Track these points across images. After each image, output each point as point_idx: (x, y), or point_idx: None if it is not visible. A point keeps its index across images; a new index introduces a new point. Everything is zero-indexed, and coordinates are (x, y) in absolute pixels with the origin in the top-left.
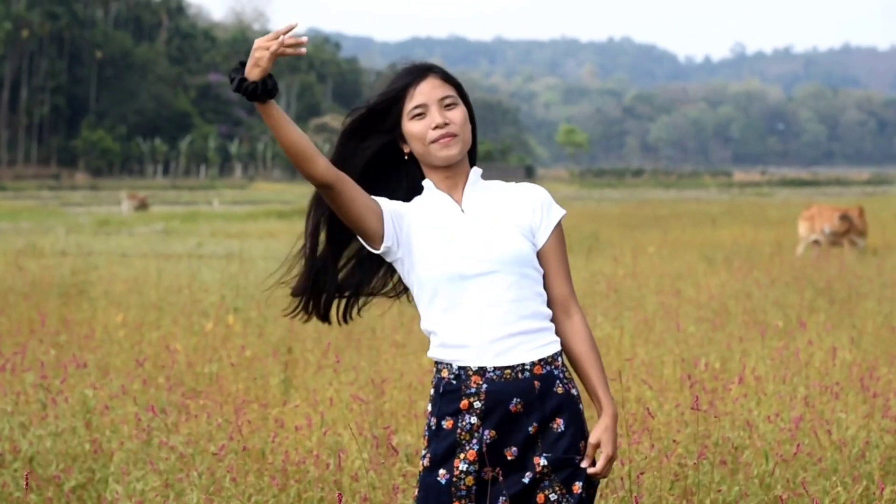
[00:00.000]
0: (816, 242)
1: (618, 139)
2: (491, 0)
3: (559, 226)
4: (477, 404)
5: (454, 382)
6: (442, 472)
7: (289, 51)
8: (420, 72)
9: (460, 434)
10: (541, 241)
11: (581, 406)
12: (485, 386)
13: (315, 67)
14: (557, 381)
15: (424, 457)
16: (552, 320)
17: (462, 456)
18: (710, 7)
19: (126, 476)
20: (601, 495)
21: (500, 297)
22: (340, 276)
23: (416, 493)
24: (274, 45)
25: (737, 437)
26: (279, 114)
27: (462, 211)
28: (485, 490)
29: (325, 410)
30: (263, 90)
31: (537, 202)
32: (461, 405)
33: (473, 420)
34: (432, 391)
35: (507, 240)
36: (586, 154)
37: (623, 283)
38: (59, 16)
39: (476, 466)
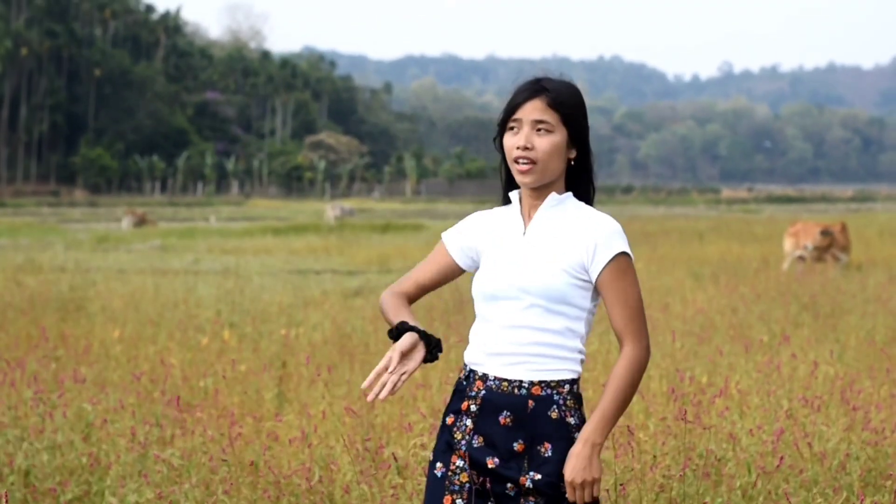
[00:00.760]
0: (801, 258)
1: (608, 156)
2: (483, 19)
3: (617, 260)
4: (473, 408)
5: (464, 383)
6: (439, 465)
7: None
8: (533, 91)
9: (456, 433)
10: (594, 275)
11: (576, 435)
12: (483, 392)
13: (310, 85)
14: (555, 406)
15: (433, 451)
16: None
17: (458, 453)
18: (699, 27)
19: (121, 489)
20: None
21: (520, 321)
22: None
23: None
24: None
25: (720, 449)
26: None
27: (524, 234)
28: (477, 488)
29: (318, 424)
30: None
31: (594, 239)
32: (462, 405)
33: (468, 423)
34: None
35: (540, 273)
36: None
37: None
38: (58, 34)
39: (464, 465)
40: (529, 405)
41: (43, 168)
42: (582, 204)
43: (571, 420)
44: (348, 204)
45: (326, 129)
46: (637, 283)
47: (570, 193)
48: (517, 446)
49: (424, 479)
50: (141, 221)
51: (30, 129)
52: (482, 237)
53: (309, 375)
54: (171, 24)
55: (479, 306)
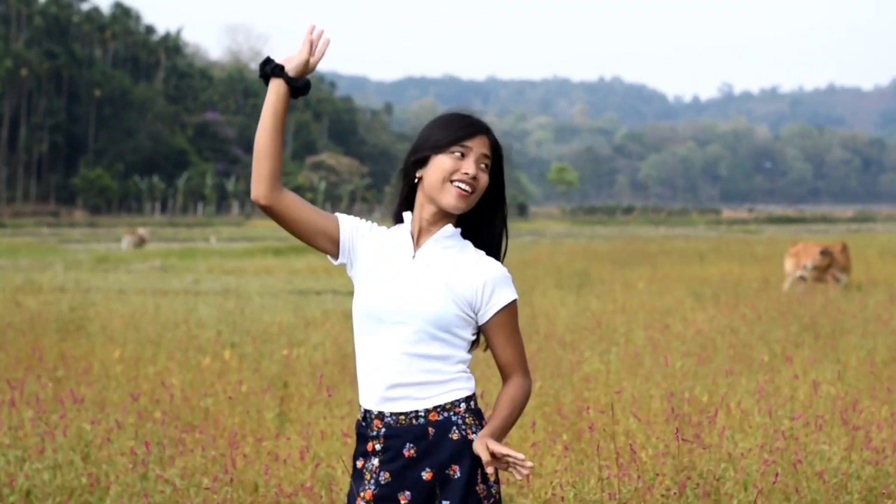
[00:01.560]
0: (802, 278)
1: (608, 177)
2: (484, 40)
3: (509, 307)
4: (378, 446)
5: (363, 424)
6: None
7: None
8: (484, 128)
9: (365, 474)
10: (483, 319)
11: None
12: (384, 430)
13: (311, 106)
14: (454, 428)
15: None
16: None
17: (362, 495)
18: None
19: None
20: None
21: (406, 348)
22: None
23: None
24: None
25: (720, 468)
26: (276, 100)
27: (413, 257)
28: None
29: (319, 444)
30: (278, 70)
31: (488, 283)
32: (367, 447)
33: (375, 461)
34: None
35: (431, 299)
36: (577, 192)
37: (612, 319)
38: (58, 55)
39: None
40: (430, 432)
41: (43, 188)
42: (470, 244)
43: (473, 437)
44: None
45: (327, 149)
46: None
47: (458, 230)
48: (426, 475)
49: None
50: (141, 242)
51: (30, 150)
52: (368, 247)
53: (310, 395)
54: (172, 45)
55: (363, 328)
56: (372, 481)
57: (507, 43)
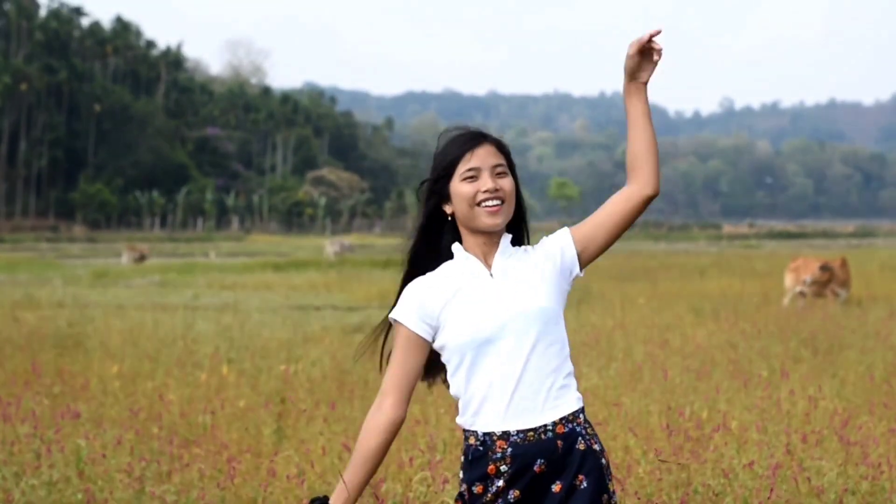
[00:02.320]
0: (802, 294)
1: (609, 192)
2: (485, 55)
3: (570, 230)
4: (503, 468)
5: (481, 449)
6: None
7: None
8: (477, 139)
9: (487, 496)
10: (576, 259)
11: (603, 461)
12: (510, 450)
13: (311, 121)
14: (580, 438)
15: None
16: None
17: None
18: (699, 63)
19: None
20: None
21: (524, 358)
22: None
23: None
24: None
25: (717, 483)
26: (357, 488)
27: (491, 276)
28: None
29: (316, 460)
30: None
31: (553, 246)
32: (489, 470)
33: (500, 483)
34: (462, 458)
35: (530, 298)
36: (578, 207)
37: (612, 334)
38: (58, 70)
39: None
40: (559, 445)
41: (42, 203)
42: (522, 246)
43: (596, 446)
44: (348, 240)
45: (327, 164)
46: None
47: (507, 234)
48: (555, 488)
49: None
50: (141, 258)
51: (29, 164)
52: (436, 296)
53: (308, 411)
54: (172, 60)
55: (470, 356)
56: (500, 501)
57: (508, 57)
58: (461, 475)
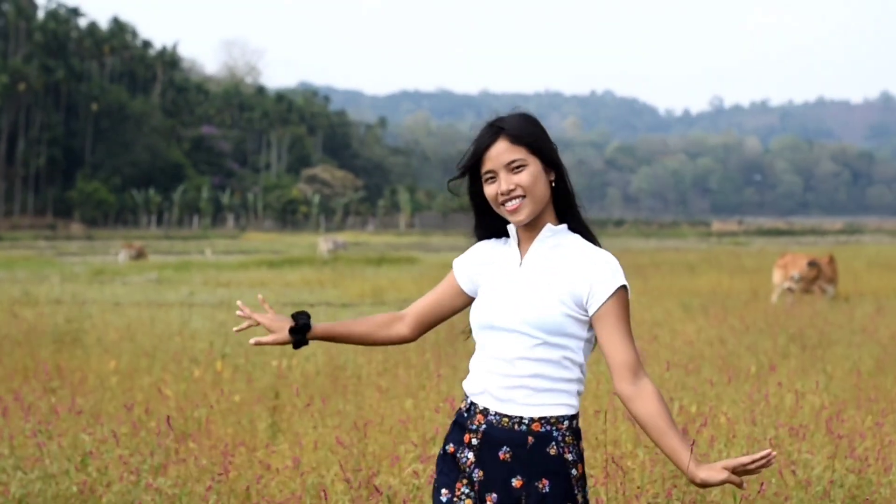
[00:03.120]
0: (790, 290)
1: (600, 190)
2: (477, 54)
3: (616, 296)
4: (474, 441)
5: (465, 415)
6: (444, 491)
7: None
8: (491, 135)
9: (460, 464)
10: (592, 310)
11: (575, 471)
12: (484, 426)
13: (305, 120)
14: (553, 443)
15: (435, 479)
16: (625, 388)
17: (465, 481)
18: (690, 62)
19: None
20: None
21: (518, 352)
22: None
23: None
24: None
25: None
26: (337, 335)
27: (520, 265)
28: None
29: (310, 453)
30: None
31: (595, 274)
32: (464, 438)
33: (470, 455)
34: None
35: (538, 305)
36: None
37: None
38: (56, 69)
39: (472, 494)
40: (529, 441)
41: (40, 201)
42: (578, 237)
43: (569, 456)
44: (341, 237)
45: (321, 163)
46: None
47: (564, 226)
48: (515, 482)
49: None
50: (139, 255)
51: (27, 163)
52: (483, 266)
53: (302, 406)
54: (168, 60)
55: (477, 335)
56: (465, 473)
57: (500, 57)
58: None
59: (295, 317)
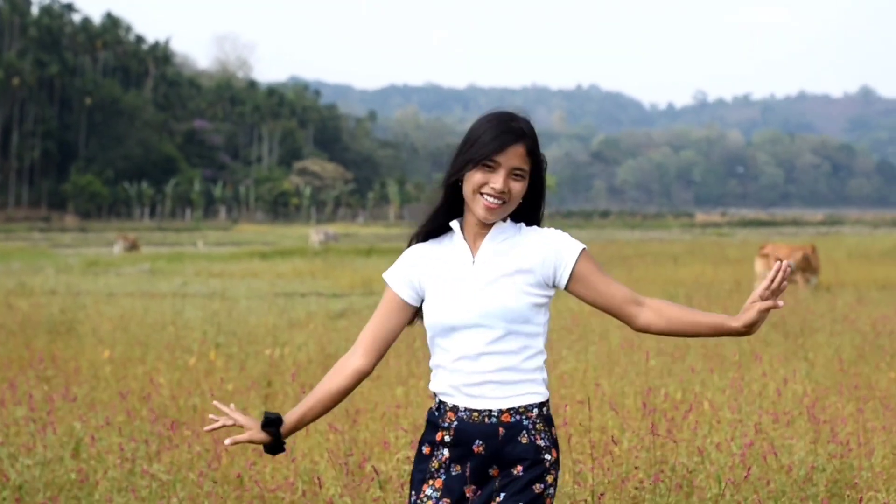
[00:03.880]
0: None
1: (585, 182)
2: (465, 49)
3: (583, 255)
4: (447, 438)
5: (436, 413)
6: (412, 493)
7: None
8: (516, 136)
9: (433, 463)
10: (563, 281)
11: (546, 457)
12: (455, 423)
13: (296, 114)
14: (524, 432)
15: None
16: (636, 315)
17: (431, 482)
18: (674, 56)
19: (110, 503)
20: None
21: (481, 348)
22: None
23: None
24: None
25: (691, 462)
26: (302, 422)
27: (473, 262)
28: None
29: (302, 440)
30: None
31: (554, 247)
32: (437, 436)
33: (445, 452)
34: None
35: (498, 296)
36: (555, 196)
37: (589, 320)
38: (50, 64)
39: (439, 493)
40: (500, 432)
41: (34, 194)
42: (522, 225)
43: (541, 442)
44: (332, 229)
45: (312, 156)
46: None
47: (522, 224)
48: (492, 472)
49: (406, 493)
50: (132, 247)
51: (21, 156)
52: (425, 268)
53: (294, 394)
54: (161, 55)
55: (437, 339)
56: (442, 471)
57: (488, 52)
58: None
59: (266, 414)
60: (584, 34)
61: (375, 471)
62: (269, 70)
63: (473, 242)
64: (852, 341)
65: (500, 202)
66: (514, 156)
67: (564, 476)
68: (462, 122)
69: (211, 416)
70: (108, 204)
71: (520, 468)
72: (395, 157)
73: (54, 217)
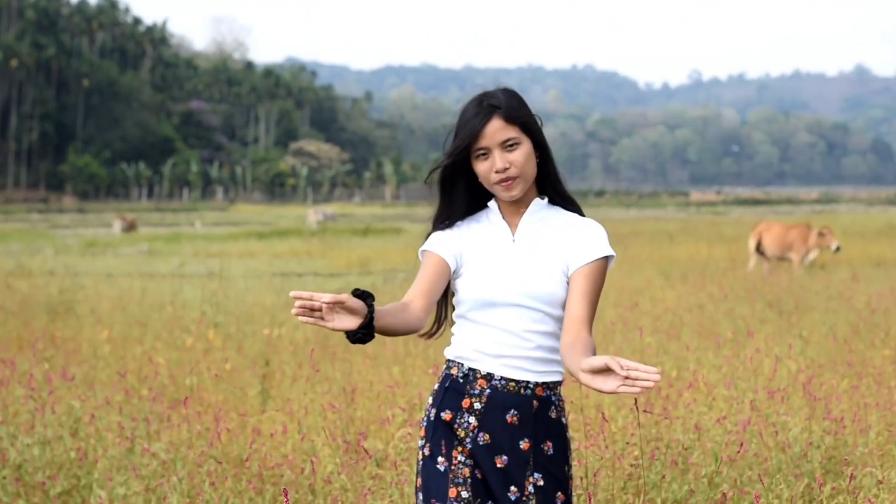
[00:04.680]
0: (763, 255)
1: (581, 161)
2: (461, 30)
3: (597, 264)
4: (477, 405)
5: (461, 381)
6: (441, 459)
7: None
8: (485, 114)
9: (457, 430)
10: (573, 269)
11: (568, 434)
12: (488, 391)
13: (293, 94)
14: (553, 407)
15: (424, 446)
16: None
17: (460, 449)
18: (669, 36)
19: (109, 482)
20: None
21: (522, 326)
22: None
23: (418, 480)
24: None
25: (687, 439)
26: (382, 321)
27: (513, 240)
28: (478, 481)
29: (300, 418)
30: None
31: (586, 239)
32: (463, 403)
33: (472, 420)
34: (437, 385)
35: (542, 279)
36: None
37: None
38: (47, 46)
39: (471, 461)
40: (534, 405)
41: (33, 175)
42: (560, 209)
43: (564, 420)
44: (330, 209)
45: (308, 136)
46: None
47: (546, 199)
48: (523, 444)
49: (404, 469)
50: (130, 227)
51: (20, 138)
52: (466, 240)
53: (292, 373)
54: (158, 36)
55: (472, 312)
56: (468, 440)
57: (483, 32)
58: (430, 400)
59: (355, 290)
60: (580, 14)
61: (366, 453)
62: (265, 51)
63: (511, 220)
64: (847, 318)
65: (511, 178)
66: (494, 131)
67: None
68: (458, 102)
69: (293, 293)
70: (106, 185)
71: (549, 444)
72: (392, 137)
73: (52, 198)
